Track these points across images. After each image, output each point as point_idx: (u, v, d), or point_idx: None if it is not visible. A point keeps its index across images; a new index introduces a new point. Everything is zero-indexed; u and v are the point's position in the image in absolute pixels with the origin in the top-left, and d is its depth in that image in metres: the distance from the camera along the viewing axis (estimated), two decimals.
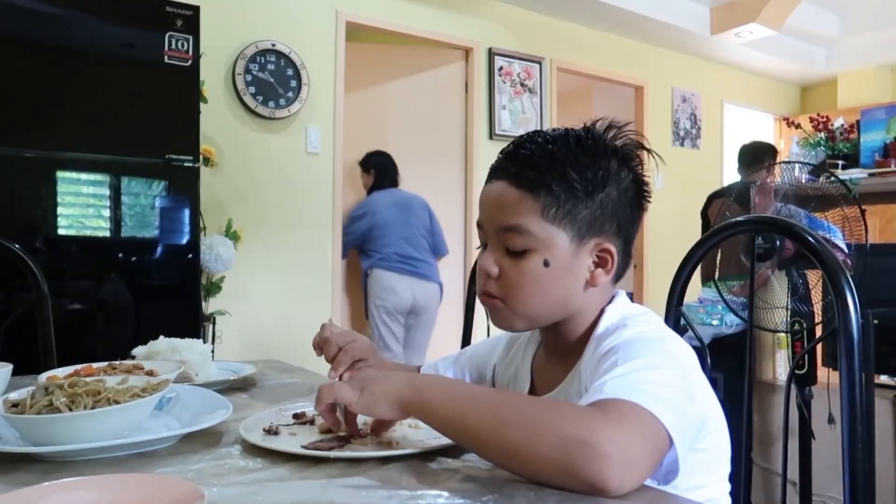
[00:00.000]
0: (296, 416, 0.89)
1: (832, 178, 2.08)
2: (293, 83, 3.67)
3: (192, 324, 2.72)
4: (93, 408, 0.75)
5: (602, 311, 0.88)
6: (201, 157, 2.84)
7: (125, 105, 2.56)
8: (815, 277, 2.07)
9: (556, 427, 0.65)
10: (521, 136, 0.89)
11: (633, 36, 5.18)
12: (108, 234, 2.56)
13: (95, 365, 0.99)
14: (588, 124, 0.89)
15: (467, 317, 1.83)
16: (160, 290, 2.70)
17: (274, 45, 3.61)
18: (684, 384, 0.75)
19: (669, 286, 1.26)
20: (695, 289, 2.86)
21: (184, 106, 2.70)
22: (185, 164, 2.66)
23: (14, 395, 0.81)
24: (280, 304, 3.64)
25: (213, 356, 1.23)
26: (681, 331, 1.21)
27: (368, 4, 3.99)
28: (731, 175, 5.90)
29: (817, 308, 2.05)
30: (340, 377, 0.96)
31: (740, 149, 3.86)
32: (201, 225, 2.86)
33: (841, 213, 2.02)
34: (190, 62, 2.66)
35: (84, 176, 2.54)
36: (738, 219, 1.27)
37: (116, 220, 2.56)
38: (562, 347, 0.90)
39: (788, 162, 2.24)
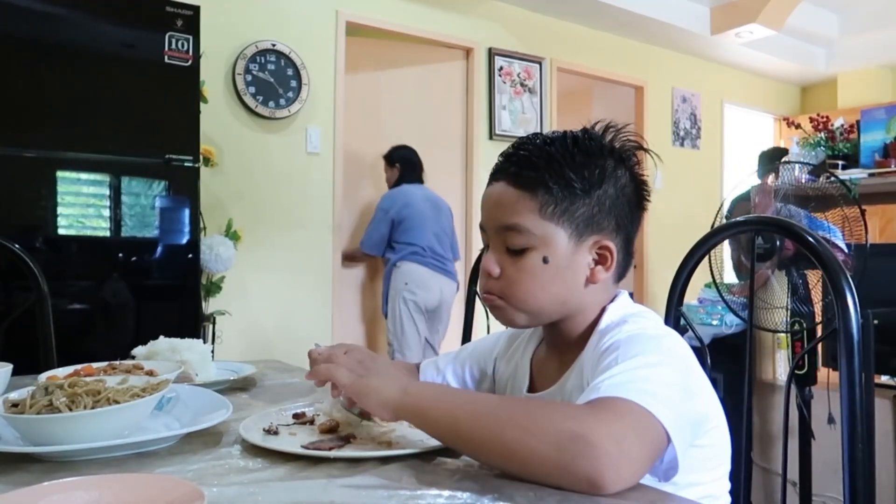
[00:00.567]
0: (296, 416, 0.89)
1: (832, 178, 2.08)
2: (293, 83, 3.68)
3: (192, 324, 2.72)
4: (93, 408, 0.75)
5: (604, 310, 0.89)
6: (201, 157, 2.84)
7: (125, 105, 2.56)
8: (815, 277, 2.07)
9: (551, 424, 0.65)
10: (520, 139, 0.91)
11: (633, 36, 5.18)
12: (108, 234, 2.56)
13: (95, 365, 0.99)
14: (587, 126, 0.90)
15: (467, 316, 1.83)
16: (160, 290, 2.70)
17: (274, 45, 3.61)
18: (683, 381, 0.75)
19: (669, 286, 1.26)
20: (695, 289, 2.86)
21: (184, 106, 2.70)
22: (185, 164, 2.66)
23: (14, 395, 0.81)
24: (280, 304, 3.64)
25: (213, 356, 1.23)
26: (681, 331, 1.21)
27: (368, 4, 3.99)
28: (731, 175, 5.91)
29: (817, 308, 2.05)
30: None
31: (759, 155, 3.90)
32: (201, 225, 2.86)
33: (841, 213, 2.02)
34: (190, 62, 2.66)
35: (84, 176, 2.54)
36: (738, 219, 1.27)
37: (116, 220, 2.57)
38: (562, 344, 0.91)
39: (788, 162, 2.24)
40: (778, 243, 2.03)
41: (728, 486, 0.85)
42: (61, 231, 2.47)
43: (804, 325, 2.03)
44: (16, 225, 2.41)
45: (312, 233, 3.78)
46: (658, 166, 1.03)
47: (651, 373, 0.72)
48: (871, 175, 3.50)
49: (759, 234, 1.93)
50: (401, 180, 3.81)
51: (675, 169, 5.49)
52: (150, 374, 0.93)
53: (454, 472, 0.70)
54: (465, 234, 4.40)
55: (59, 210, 2.45)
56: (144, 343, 1.25)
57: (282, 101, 3.64)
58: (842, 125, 3.89)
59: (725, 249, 2.34)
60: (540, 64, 4.74)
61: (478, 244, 4.36)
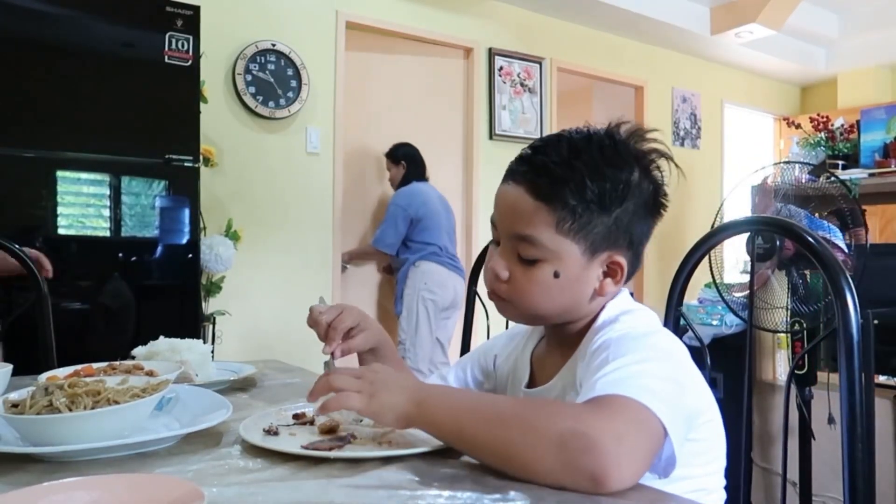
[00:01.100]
0: (296, 416, 0.89)
1: (832, 178, 2.08)
2: (293, 83, 3.68)
3: (192, 324, 2.72)
4: (93, 408, 0.75)
5: (603, 307, 0.89)
6: (201, 157, 2.84)
7: (125, 105, 2.56)
8: (815, 277, 2.07)
9: (552, 423, 0.66)
10: (544, 140, 0.87)
11: (633, 36, 5.18)
12: (108, 233, 2.56)
13: (95, 365, 0.99)
14: (612, 125, 0.87)
15: (467, 315, 1.83)
16: (160, 290, 2.70)
17: (274, 45, 3.61)
18: (675, 376, 0.76)
19: (669, 286, 1.26)
20: (695, 289, 2.86)
21: (184, 106, 2.70)
22: (185, 164, 2.66)
23: (14, 396, 0.81)
24: (280, 304, 3.64)
25: (213, 356, 1.23)
26: (681, 331, 1.21)
27: (368, 4, 3.99)
28: (731, 175, 5.91)
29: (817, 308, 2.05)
30: (333, 354, 0.98)
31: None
32: (201, 225, 2.86)
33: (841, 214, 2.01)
34: (190, 62, 2.66)
35: (84, 176, 2.54)
36: (738, 219, 1.27)
37: (116, 220, 2.57)
38: (562, 340, 0.92)
39: (788, 162, 2.24)
40: (778, 243, 2.03)
41: (723, 481, 0.85)
42: (61, 231, 2.47)
43: (804, 325, 2.03)
44: (16, 225, 2.41)
45: (312, 233, 3.78)
46: (678, 175, 1.02)
47: (644, 369, 0.73)
48: (871, 175, 3.50)
49: (759, 234, 1.93)
50: (409, 178, 3.79)
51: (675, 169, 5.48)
52: (150, 374, 0.93)
53: (454, 472, 0.70)
54: (465, 234, 4.40)
55: (59, 210, 2.45)
56: (144, 343, 1.25)
57: (282, 101, 3.64)
58: (842, 125, 3.89)
59: (726, 249, 2.34)
60: (540, 64, 4.74)
61: (478, 244, 4.38)
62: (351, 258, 3.95)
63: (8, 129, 2.38)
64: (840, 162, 3.71)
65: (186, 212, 2.71)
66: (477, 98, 4.44)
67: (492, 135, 4.49)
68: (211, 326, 3.13)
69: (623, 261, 0.86)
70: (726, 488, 0.86)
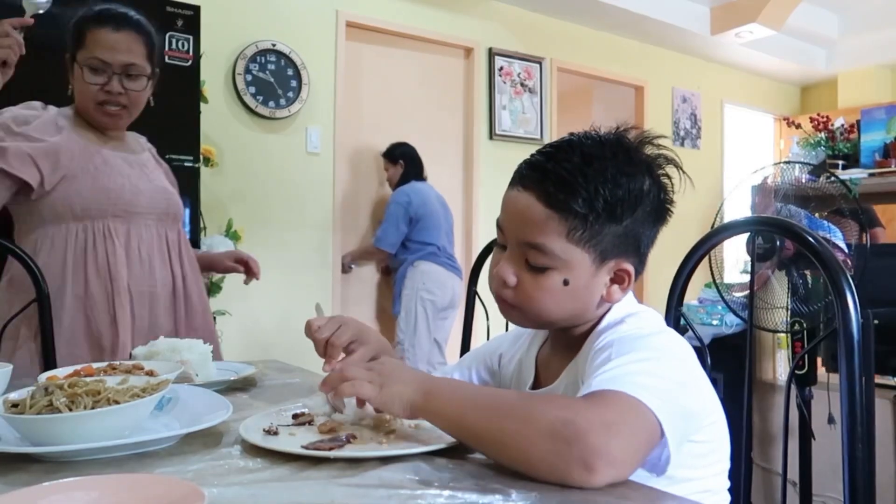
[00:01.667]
0: (296, 416, 0.89)
1: (832, 178, 2.08)
2: (293, 83, 3.68)
3: None
4: (93, 408, 0.75)
5: (608, 309, 0.90)
6: (201, 157, 2.84)
7: None
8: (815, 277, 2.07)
9: (545, 413, 0.67)
10: (556, 146, 0.86)
11: (633, 36, 5.18)
12: None
13: (95, 365, 0.99)
14: (622, 129, 0.87)
15: (467, 315, 1.83)
16: None
17: (274, 45, 3.61)
18: (677, 376, 0.76)
19: (669, 286, 1.26)
20: (695, 289, 2.86)
21: (184, 106, 2.70)
22: (186, 164, 2.66)
23: (14, 395, 0.81)
24: (280, 304, 3.64)
25: (212, 356, 1.23)
26: (681, 331, 1.21)
27: (368, 4, 3.99)
28: (731, 175, 5.91)
29: (819, 307, 2.05)
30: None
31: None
32: (201, 225, 2.86)
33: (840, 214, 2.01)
34: (190, 62, 2.66)
35: None
36: (738, 219, 1.27)
37: None
38: (568, 342, 0.92)
39: (788, 162, 2.24)
40: (778, 243, 2.03)
41: (727, 483, 0.85)
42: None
43: (804, 325, 2.03)
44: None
45: (312, 233, 3.78)
46: (682, 179, 1.01)
47: (643, 367, 0.73)
48: (871, 175, 3.50)
49: (759, 234, 1.93)
50: (407, 177, 3.79)
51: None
52: (150, 374, 0.93)
53: (454, 472, 0.70)
54: (465, 234, 4.40)
55: None
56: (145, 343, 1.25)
57: (282, 101, 3.64)
58: (842, 125, 3.89)
59: (726, 249, 2.34)
60: (540, 64, 4.74)
61: (478, 244, 4.37)
62: (353, 259, 3.95)
63: None
64: (840, 162, 3.71)
65: (186, 211, 2.70)
66: (477, 98, 4.44)
67: (492, 135, 4.49)
68: None
69: (630, 268, 0.87)
70: (729, 490, 0.86)
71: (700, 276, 1.48)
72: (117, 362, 1.01)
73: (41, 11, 1.47)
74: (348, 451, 0.75)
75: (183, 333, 1.60)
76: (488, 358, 1.09)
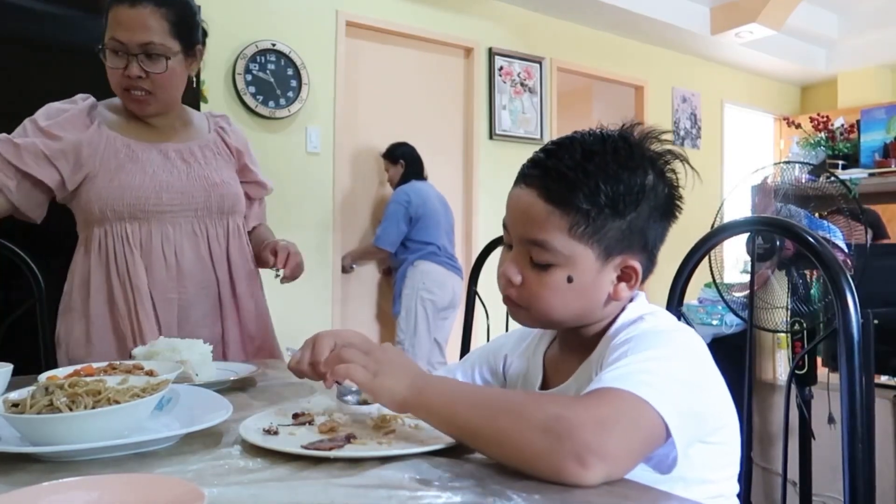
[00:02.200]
0: (296, 416, 0.89)
1: (832, 178, 2.08)
2: (293, 83, 3.68)
3: None
4: (93, 408, 0.75)
5: (622, 309, 0.89)
6: None
7: None
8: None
9: (539, 409, 0.67)
10: (556, 143, 0.86)
11: (633, 36, 5.19)
12: None
13: (95, 365, 0.99)
14: (625, 126, 0.87)
15: (467, 315, 1.83)
16: None
17: (274, 45, 3.61)
18: (691, 376, 0.75)
19: (669, 286, 1.26)
20: (695, 289, 2.86)
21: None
22: None
23: (14, 395, 0.81)
24: (280, 304, 3.63)
25: (212, 356, 1.23)
26: None
27: (368, 4, 3.99)
28: (731, 175, 5.91)
29: (818, 307, 2.05)
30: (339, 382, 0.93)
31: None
32: None
33: (841, 213, 2.01)
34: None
35: None
36: (738, 219, 1.27)
37: None
38: (578, 343, 0.91)
39: (788, 162, 2.24)
40: (778, 243, 2.03)
41: (737, 488, 0.85)
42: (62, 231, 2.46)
43: (804, 325, 2.03)
44: (16, 225, 2.41)
45: (312, 233, 3.78)
46: (693, 177, 1.01)
47: (656, 365, 0.72)
48: (871, 175, 3.50)
49: (759, 234, 1.93)
50: (407, 177, 3.79)
51: (675, 169, 5.48)
52: (150, 374, 0.93)
53: (454, 472, 0.70)
54: (465, 234, 4.40)
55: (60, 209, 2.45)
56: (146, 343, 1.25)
57: (282, 101, 3.64)
58: (842, 125, 3.89)
59: (726, 249, 2.34)
60: (540, 64, 4.74)
61: (478, 244, 4.37)
62: (353, 259, 3.95)
63: (8, 130, 2.38)
64: (840, 162, 3.71)
65: None
66: (477, 98, 4.44)
67: (492, 135, 4.49)
68: None
69: (637, 265, 0.86)
70: (738, 495, 0.85)
71: (700, 275, 1.48)
72: (117, 362, 1.01)
73: None
74: (348, 451, 0.74)
75: (233, 343, 1.51)
76: (492, 357, 1.08)
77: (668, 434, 0.68)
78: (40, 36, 2.44)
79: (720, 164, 5.93)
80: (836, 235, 1.98)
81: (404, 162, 3.81)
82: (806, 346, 2.03)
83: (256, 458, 0.75)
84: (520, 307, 0.88)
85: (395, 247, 3.72)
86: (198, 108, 2.78)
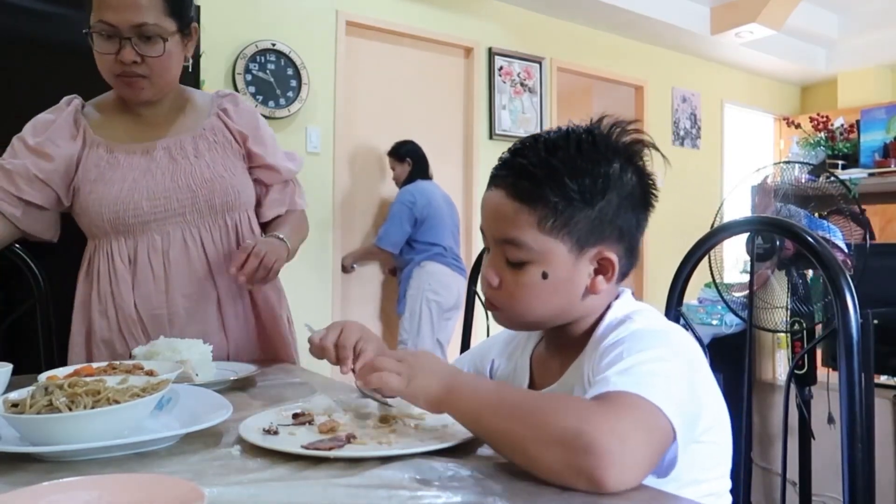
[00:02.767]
0: (296, 416, 0.89)
1: (832, 178, 2.08)
2: (293, 83, 3.68)
3: None
4: (93, 408, 0.75)
5: (608, 308, 0.88)
6: None
7: None
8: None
9: (557, 421, 0.66)
10: (521, 142, 0.87)
11: (633, 36, 5.19)
12: None
13: (95, 365, 0.99)
14: (593, 121, 0.87)
15: (467, 315, 1.83)
16: None
17: (274, 45, 3.61)
18: (689, 376, 0.75)
19: (669, 286, 1.26)
20: (695, 289, 2.86)
21: None
22: None
23: (14, 395, 0.81)
24: None
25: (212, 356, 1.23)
26: None
27: (368, 4, 3.99)
28: (731, 175, 5.91)
29: (817, 308, 2.05)
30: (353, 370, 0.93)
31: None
32: None
33: (841, 214, 2.01)
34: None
35: None
36: (738, 219, 1.27)
37: None
38: (564, 343, 0.91)
39: (788, 162, 2.24)
40: (778, 243, 2.03)
41: (729, 484, 0.85)
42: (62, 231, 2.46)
43: (804, 325, 2.03)
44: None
45: (312, 232, 3.75)
46: (661, 165, 1.01)
47: (658, 367, 0.72)
48: (871, 175, 3.50)
49: (759, 234, 1.93)
50: (414, 176, 3.77)
51: (675, 169, 5.45)
52: (150, 374, 0.93)
53: (454, 472, 0.70)
54: (465, 234, 4.39)
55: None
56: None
57: (282, 101, 3.64)
58: (842, 125, 3.89)
59: (726, 249, 2.34)
60: (540, 64, 4.74)
61: (478, 244, 4.36)
62: (354, 259, 3.94)
63: (8, 130, 2.38)
64: (840, 162, 3.71)
65: None
66: (477, 98, 4.44)
67: (492, 135, 4.49)
68: None
69: (613, 256, 0.85)
70: (730, 490, 0.86)
71: (700, 275, 1.48)
72: (117, 362, 1.01)
73: None
74: (348, 451, 0.75)
75: (248, 352, 1.42)
76: (479, 361, 1.08)
77: (674, 438, 0.68)
78: (40, 36, 2.44)
79: (720, 164, 5.94)
80: (836, 235, 1.98)
81: (411, 160, 3.79)
82: (806, 346, 2.03)
83: (256, 458, 0.75)
84: (500, 310, 0.89)
85: (397, 248, 3.70)
86: None
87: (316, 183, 3.79)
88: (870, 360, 1.81)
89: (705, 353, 1.12)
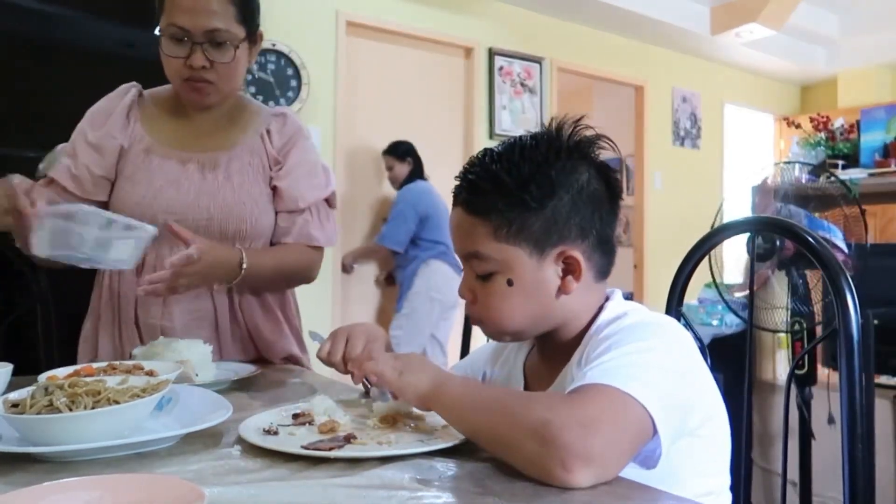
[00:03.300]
0: (296, 416, 0.89)
1: (832, 178, 2.08)
2: (293, 83, 3.68)
3: None
4: (93, 408, 0.75)
5: (600, 310, 0.88)
6: None
7: None
8: (815, 277, 2.07)
9: (528, 414, 0.67)
10: (471, 159, 0.89)
11: (633, 36, 5.19)
12: None
13: (95, 365, 0.99)
14: (546, 125, 0.88)
15: (467, 320, 1.83)
16: None
17: (274, 45, 3.61)
18: (677, 366, 0.75)
19: (669, 286, 1.26)
20: (695, 289, 2.86)
21: None
22: None
23: (14, 395, 0.80)
24: None
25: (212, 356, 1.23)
26: None
27: (368, 4, 3.99)
28: (731, 175, 5.91)
29: (817, 308, 2.05)
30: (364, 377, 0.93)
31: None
32: None
33: (841, 213, 2.01)
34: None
35: None
36: (738, 219, 1.27)
37: None
38: (554, 348, 0.91)
39: (788, 162, 2.24)
40: (778, 243, 2.03)
41: (728, 480, 0.85)
42: None
43: (804, 325, 2.03)
44: None
45: None
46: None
47: (640, 358, 0.73)
48: (871, 175, 3.50)
49: (759, 234, 1.93)
50: (413, 175, 3.78)
51: (675, 169, 5.49)
52: (150, 374, 0.93)
53: (454, 472, 0.70)
54: None
55: None
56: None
57: (282, 101, 3.64)
58: (842, 125, 3.89)
59: (726, 249, 2.34)
60: (540, 64, 4.74)
61: None
62: (354, 258, 3.93)
63: (8, 129, 2.38)
64: (840, 162, 3.71)
65: None
66: (477, 98, 4.44)
67: (492, 135, 4.49)
68: None
69: (578, 254, 0.84)
70: (730, 488, 0.85)
71: (700, 275, 1.48)
72: (117, 362, 1.01)
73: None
74: (348, 451, 0.75)
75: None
76: (470, 372, 1.08)
77: (655, 429, 0.68)
78: (40, 36, 2.44)
79: (720, 164, 5.93)
80: (836, 235, 1.98)
81: (411, 160, 3.81)
82: (806, 346, 2.03)
83: (256, 458, 0.75)
84: (482, 322, 0.90)
85: (402, 246, 3.70)
86: None
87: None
88: (870, 360, 1.81)
89: (705, 354, 1.12)
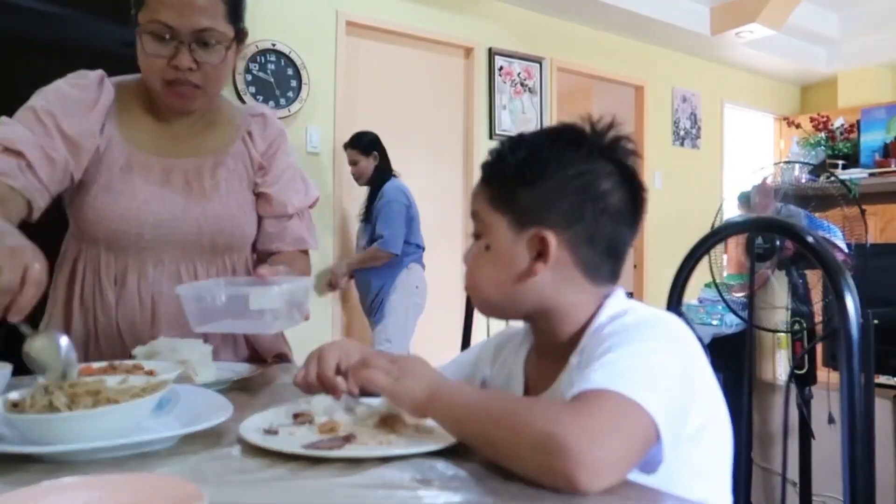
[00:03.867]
0: (296, 416, 0.89)
1: (832, 178, 2.08)
2: (293, 83, 3.68)
3: None
4: (93, 408, 0.75)
5: (599, 308, 0.87)
6: None
7: None
8: (815, 277, 2.07)
9: (530, 424, 0.66)
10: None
11: (633, 36, 5.19)
12: None
13: (95, 365, 0.99)
14: (585, 121, 0.88)
15: (467, 318, 1.83)
16: None
17: (274, 45, 3.61)
18: (680, 368, 0.75)
19: (669, 286, 1.26)
20: (695, 289, 2.86)
21: None
22: None
23: (14, 395, 0.80)
24: None
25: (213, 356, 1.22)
26: None
27: (368, 4, 3.99)
28: (731, 175, 5.91)
29: (817, 308, 2.05)
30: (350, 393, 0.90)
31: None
32: None
33: (841, 213, 2.02)
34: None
35: None
36: (738, 219, 1.27)
37: None
38: (552, 347, 0.90)
39: (788, 162, 2.24)
40: (778, 243, 2.03)
41: (730, 484, 0.84)
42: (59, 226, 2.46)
43: (804, 325, 2.03)
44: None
45: None
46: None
47: (643, 361, 0.72)
48: (871, 175, 3.50)
49: (759, 234, 1.93)
50: (382, 173, 3.53)
51: (675, 169, 5.48)
52: (150, 374, 0.93)
53: (454, 472, 0.70)
54: (464, 236, 4.40)
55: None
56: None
57: (282, 101, 3.64)
58: (842, 125, 3.89)
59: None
60: (540, 64, 4.74)
61: None
62: (351, 268, 3.63)
63: None
64: (840, 162, 3.71)
65: None
66: (477, 98, 4.44)
67: (492, 135, 4.50)
68: None
69: (551, 237, 0.83)
70: (731, 490, 0.85)
71: (700, 275, 1.48)
72: (117, 362, 1.01)
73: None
74: (348, 451, 0.74)
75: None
76: (461, 372, 1.07)
77: (658, 435, 0.67)
78: (40, 36, 2.44)
79: (720, 164, 5.93)
80: (836, 235, 1.98)
81: (377, 154, 3.53)
82: (806, 346, 2.03)
83: (256, 458, 0.74)
84: (466, 287, 0.93)
85: (401, 249, 3.49)
86: None
87: (316, 183, 3.78)
88: (870, 360, 1.81)
89: (706, 353, 1.12)
